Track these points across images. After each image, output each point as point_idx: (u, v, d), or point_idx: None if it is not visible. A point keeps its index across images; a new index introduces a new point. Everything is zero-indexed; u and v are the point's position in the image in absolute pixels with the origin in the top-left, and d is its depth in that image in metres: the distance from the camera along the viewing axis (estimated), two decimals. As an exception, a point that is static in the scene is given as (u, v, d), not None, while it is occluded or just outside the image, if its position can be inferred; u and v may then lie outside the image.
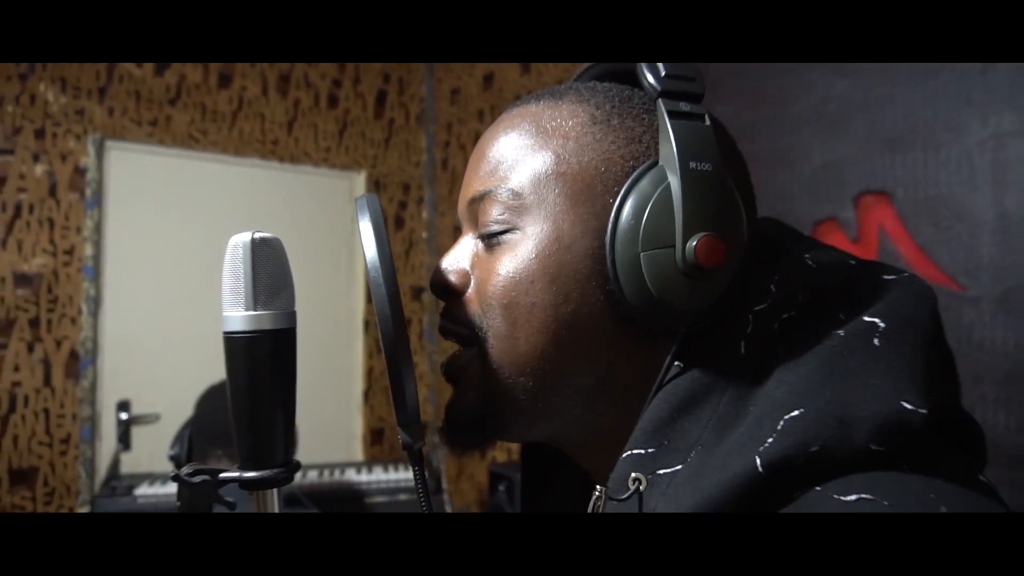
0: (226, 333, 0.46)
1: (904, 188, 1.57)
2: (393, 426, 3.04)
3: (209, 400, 1.36)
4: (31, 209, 2.22)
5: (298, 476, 1.84)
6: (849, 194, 1.67)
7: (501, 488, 1.97)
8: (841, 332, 0.37)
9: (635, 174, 0.39)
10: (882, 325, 0.37)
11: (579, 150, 0.42)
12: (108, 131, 2.39)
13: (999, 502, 0.34)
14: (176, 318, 2.56)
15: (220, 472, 0.46)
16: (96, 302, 2.35)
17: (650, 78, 0.40)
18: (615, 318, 0.41)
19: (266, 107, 2.76)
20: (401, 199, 3.16)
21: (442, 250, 3.18)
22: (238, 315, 0.46)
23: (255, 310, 0.46)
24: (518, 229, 0.42)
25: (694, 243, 0.37)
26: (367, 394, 3.02)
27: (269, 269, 0.48)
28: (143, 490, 1.87)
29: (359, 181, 3.06)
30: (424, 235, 3.26)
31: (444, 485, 1.97)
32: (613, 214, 0.39)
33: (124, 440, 2.15)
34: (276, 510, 0.48)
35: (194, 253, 2.61)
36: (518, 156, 0.43)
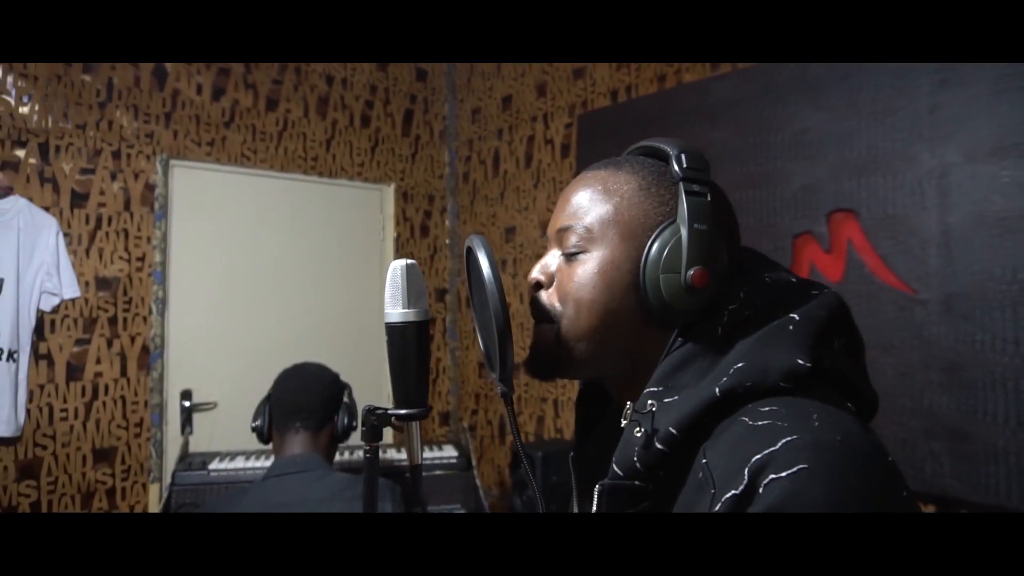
0: (388, 323, 0.71)
1: (868, 207, 1.79)
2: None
3: (284, 381, 1.60)
4: (109, 221, 2.46)
5: (351, 454, 2.11)
6: (823, 212, 1.88)
7: (523, 465, 2.24)
8: (775, 323, 0.56)
9: (662, 226, 0.59)
10: (797, 318, 0.56)
11: (630, 207, 0.62)
12: (173, 151, 2.61)
13: (860, 425, 0.50)
14: (231, 317, 2.76)
15: (388, 409, 0.74)
16: (163, 303, 2.57)
17: (676, 167, 0.59)
18: (641, 314, 0.61)
19: (307, 127, 2.97)
20: (426, 209, 3.35)
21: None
22: (396, 312, 0.71)
23: (407, 308, 0.71)
24: (588, 252, 0.62)
25: (691, 272, 0.57)
26: (395, 387, 3.26)
27: (414, 282, 0.72)
28: (215, 465, 2.14)
29: (389, 193, 3.24)
30: (447, 241, 3.43)
31: (473, 463, 2.25)
32: (647, 249, 0.59)
33: (188, 424, 2.43)
34: (418, 436, 0.75)
35: (248, 258, 2.80)
36: (590, 205, 0.63)
